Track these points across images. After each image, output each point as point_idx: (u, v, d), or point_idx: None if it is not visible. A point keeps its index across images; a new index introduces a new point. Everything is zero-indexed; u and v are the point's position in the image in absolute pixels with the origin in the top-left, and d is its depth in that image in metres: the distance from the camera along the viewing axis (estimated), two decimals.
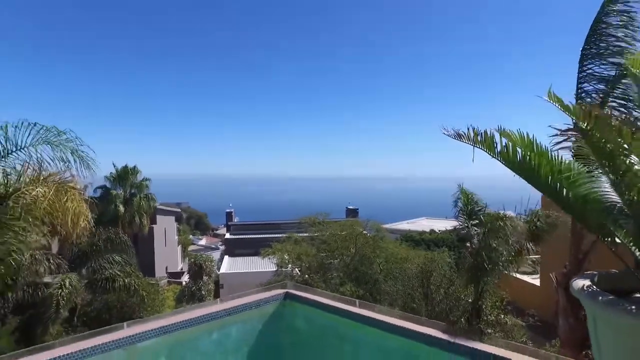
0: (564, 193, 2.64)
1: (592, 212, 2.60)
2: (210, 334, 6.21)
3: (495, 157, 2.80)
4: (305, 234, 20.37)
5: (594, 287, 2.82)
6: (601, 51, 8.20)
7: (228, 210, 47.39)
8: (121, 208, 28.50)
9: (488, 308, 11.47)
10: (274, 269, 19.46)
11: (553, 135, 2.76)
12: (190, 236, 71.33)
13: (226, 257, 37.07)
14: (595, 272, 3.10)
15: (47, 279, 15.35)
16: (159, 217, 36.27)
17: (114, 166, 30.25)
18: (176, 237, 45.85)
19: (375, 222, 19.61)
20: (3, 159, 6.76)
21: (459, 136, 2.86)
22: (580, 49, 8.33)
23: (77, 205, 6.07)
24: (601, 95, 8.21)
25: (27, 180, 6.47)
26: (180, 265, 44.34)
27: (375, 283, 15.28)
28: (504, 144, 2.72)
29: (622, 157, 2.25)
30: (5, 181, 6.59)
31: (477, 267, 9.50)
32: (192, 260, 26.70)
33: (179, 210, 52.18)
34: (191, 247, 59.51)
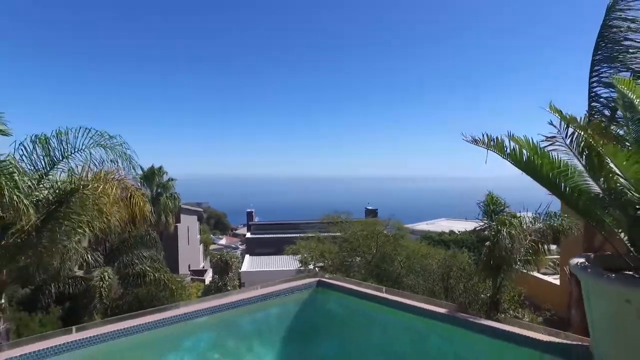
0: (562, 187, 3.24)
1: (585, 202, 3.20)
2: (249, 316, 6.92)
3: (505, 158, 3.41)
4: (327, 233, 20.90)
5: (587, 263, 3.40)
6: (614, 54, 8.39)
7: (249, 210, 48.37)
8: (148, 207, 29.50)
9: (506, 302, 11.90)
10: (295, 267, 20.00)
11: (542, 140, 3.36)
12: (211, 235, 72.65)
13: (247, 256, 37.83)
14: (591, 254, 3.67)
15: (79, 272, 16.25)
16: (182, 217, 37.34)
17: (140, 167, 31.41)
18: (198, 236, 47.02)
19: (396, 221, 19.97)
20: (65, 159, 7.63)
21: (475, 141, 3.46)
22: (591, 53, 8.66)
23: (140, 199, 6.85)
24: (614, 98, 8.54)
25: (88, 178, 7.28)
26: (202, 263, 45.47)
27: (397, 278, 15.74)
28: (512, 147, 3.33)
29: (599, 159, 2.83)
30: (71, 179, 7.42)
31: (492, 264, 9.97)
32: (219, 256, 27.59)
33: (201, 209, 53.42)
34: (212, 247, 60.76)
